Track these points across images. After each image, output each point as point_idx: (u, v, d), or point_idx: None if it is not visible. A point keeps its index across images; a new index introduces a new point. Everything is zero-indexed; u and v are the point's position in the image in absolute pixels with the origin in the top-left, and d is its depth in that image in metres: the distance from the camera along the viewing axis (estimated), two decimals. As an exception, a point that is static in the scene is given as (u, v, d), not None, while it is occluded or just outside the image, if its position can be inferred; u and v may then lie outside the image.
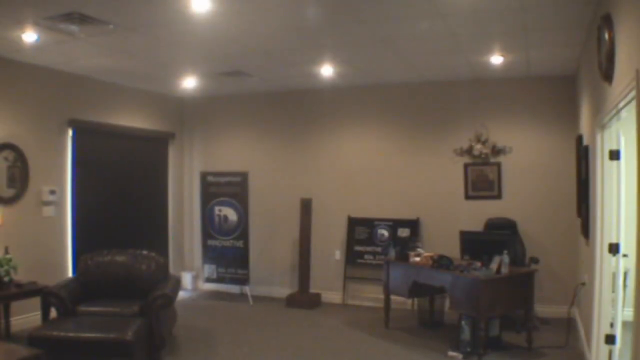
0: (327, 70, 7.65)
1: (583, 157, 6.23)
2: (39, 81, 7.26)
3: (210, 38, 6.05)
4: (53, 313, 6.07)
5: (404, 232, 8.43)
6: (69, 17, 5.16)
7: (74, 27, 5.46)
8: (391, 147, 8.71)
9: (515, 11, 5.09)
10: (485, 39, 6.13)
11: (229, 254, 9.19)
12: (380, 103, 8.82)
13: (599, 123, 4.77)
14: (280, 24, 5.54)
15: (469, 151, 8.16)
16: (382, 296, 7.45)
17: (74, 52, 6.57)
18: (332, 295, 8.90)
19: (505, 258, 6.03)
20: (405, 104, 8.67)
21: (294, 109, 9.39)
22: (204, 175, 9.55)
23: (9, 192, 6.83)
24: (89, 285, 6.44)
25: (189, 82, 8.56)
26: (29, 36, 5.73)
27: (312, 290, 8.80)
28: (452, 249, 7.07)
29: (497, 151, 8.03)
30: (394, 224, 8.55)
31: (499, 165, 8.05)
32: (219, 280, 9.32)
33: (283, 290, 9.01)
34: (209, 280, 9.41)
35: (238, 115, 9.79)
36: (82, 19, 5.20)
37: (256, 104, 9.60)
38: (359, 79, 8.31)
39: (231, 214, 9.23)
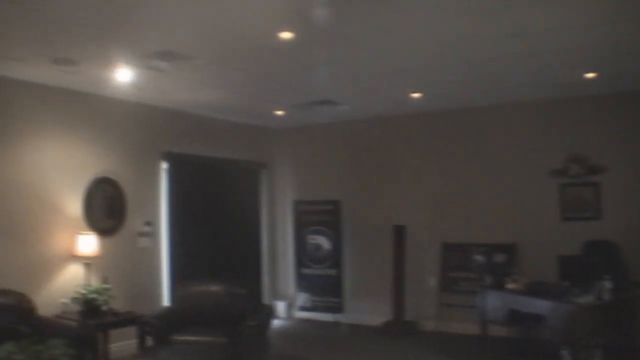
0: (414, 95, 7.66)
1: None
2: (133, 116, 7.65)
3: (298, 68, 6.22)
4: (149, 341, 6.30)
5: (499, 257, 8.18)
6: (159, 55, 5.46)
7: (163, 64, 5.75)
8: (482, 170, 8.54)
9: (608, 24, 4.93)
10: (575, 56, 5.93)
11: (323, 282, 9.26)
12: (469, 126, 8.68)
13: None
14: (366, 51, 5.61)
15: (563, 171, 7.86)
16: (477, 323, 7.26)
17: (166, 87, 6.91)
18: (426, 323, 8.75)
19: (607, 283, 5.76)
20: (494, 126, 8.50)
21: (383, 135, 9.41)
22: (296, 204, 9.73)
23: (108, 224, 7.21)
24: (183, 314, 6.63)
25: (279, 113, 8.79)
26: (123, 74, 6.07)
27: (407, 317, 8.70)
28: (549, 273, 6.81)
29: (594, 171, 7.70)
30: (489, 249, 8.31)
31: (597, 185, 7.71)
32: (313, 308, 9.39)
33: (377, 318, 8.94)
34: (303, 308, 9.51)
35: (328, 143, 9.93)
36: (171, 55, 5.49)
37: (346, 131, 9.70)
38: (447, 102, 8.27)
39: (324, 242, 9.33)
